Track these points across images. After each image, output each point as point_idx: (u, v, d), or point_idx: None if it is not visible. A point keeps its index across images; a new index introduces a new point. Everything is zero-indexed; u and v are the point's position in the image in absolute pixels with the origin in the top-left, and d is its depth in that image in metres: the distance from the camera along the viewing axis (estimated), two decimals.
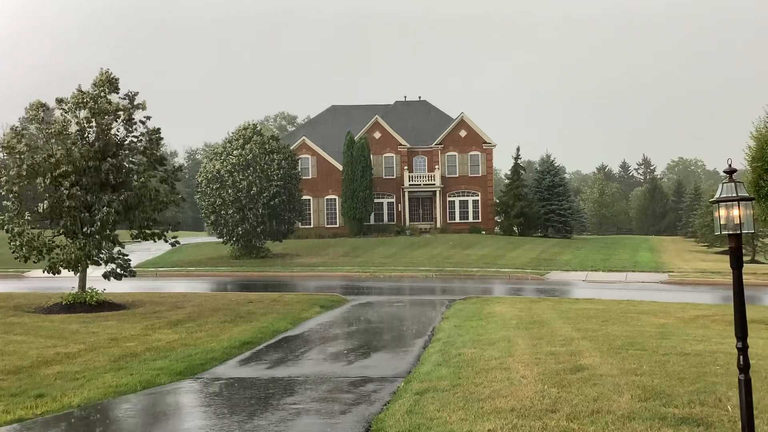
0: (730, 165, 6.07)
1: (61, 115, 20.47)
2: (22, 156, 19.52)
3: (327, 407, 9.11)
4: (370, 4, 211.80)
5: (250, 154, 44.46)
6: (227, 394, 10.12)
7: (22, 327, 15.98)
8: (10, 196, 20.09)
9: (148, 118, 21.27)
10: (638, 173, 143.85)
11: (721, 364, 10.23)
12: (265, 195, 43.73)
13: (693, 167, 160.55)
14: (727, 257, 41.04)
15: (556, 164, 65.34)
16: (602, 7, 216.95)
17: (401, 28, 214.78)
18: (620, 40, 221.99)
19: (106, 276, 20.95)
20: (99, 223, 19.61)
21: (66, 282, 23.04)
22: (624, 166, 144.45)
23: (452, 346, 12.86)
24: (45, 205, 19.54)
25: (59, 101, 20.69)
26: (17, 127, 20.35)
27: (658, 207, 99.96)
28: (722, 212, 6.07)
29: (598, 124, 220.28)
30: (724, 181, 6.10)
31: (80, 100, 20.32)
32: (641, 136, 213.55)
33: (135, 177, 20.73)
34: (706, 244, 55.98)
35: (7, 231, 20.05)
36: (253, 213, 43.61)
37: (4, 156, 20.70)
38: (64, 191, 19.16)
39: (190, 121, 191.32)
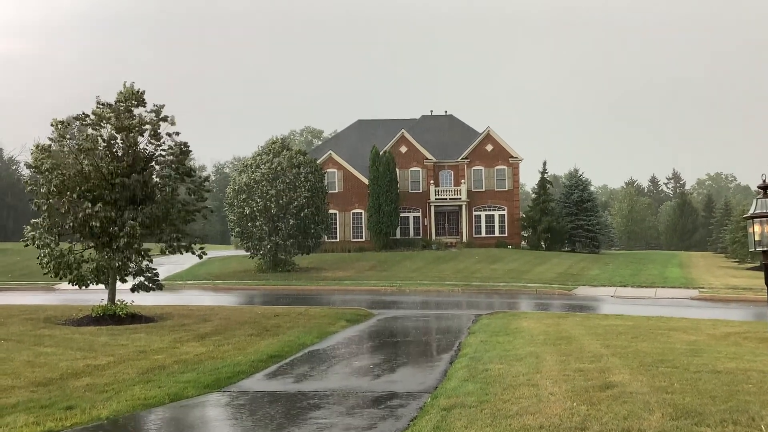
0: (764, 180, 6.00)
1: (91, 129, 20.69)
2: (50, 175, 19.73)
3: (353, 422, 9.09)
4: (395, 19, 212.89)
5: (279, 167, 44.74)
6: (254, 407, 10.14)
7: (53, 339, 16.17)
8: (42, 212, 20.30)
9: (177, 133, 21.34)
10: (668, 188, 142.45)
11: (754, 383, 10.04)
12: (294, 205, 43.95)
13: (724, 182, 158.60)
14: (758, 273, 40.36)
15: (583, 179, 64.92)
16: (630, 16, 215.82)
17: (427, 41, 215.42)
18: (650, 51, 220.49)
19: (133, 289, 21.12)
20: (126, 238, 19.77)
21: (95, 294, 23.30)
22: (653, 181, 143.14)
23: (479, 362, 12.77)
24: (71, 222, 19.74)
25: (79, 118, 20.81)
26: (44, 144, 20.46)
27: (688, 222, 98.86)
28: (756, 228, 5.99)
29: (627, 138, 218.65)
30: (758, 196, 6.03)
31: (103, 116, 20.48)
32: (671, 150, 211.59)
33: (159, 191, 20.84)
34: (736, 259, 55.17)
35: (37, 247, 20.26)
36: (284, 224, 43.81)
37: (32, 173, 20.96)
38: (87, 210, 19.33)
39: (217, 136, 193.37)
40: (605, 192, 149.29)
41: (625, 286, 36.30)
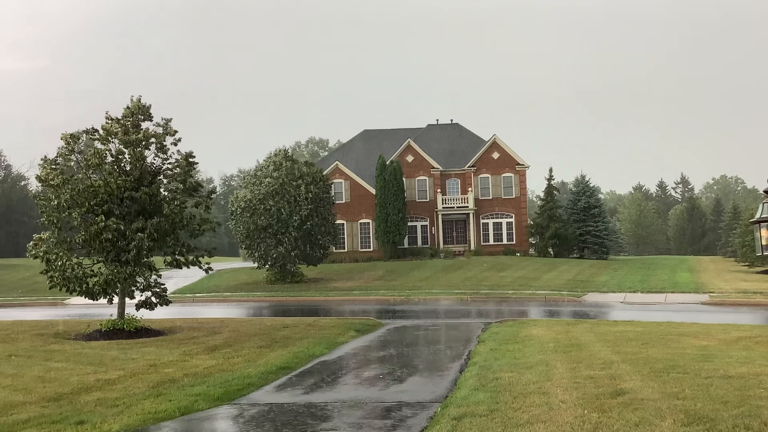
0: None
1: (100, 144, 20.80)
2: (59, 190, 19.83)
3: None
4: (400, 28, 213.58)
5: (279, 180, 44.75)
6: (264, 419, 10.14)
7: (63, 354, 16.22)
8: (52, 226, 20.36)
9: (179, 140, 21.44)
10: (676, 192, 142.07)
11: (766, 387, 9.99)
12: (295, 219, 43.98)
13: (733, 185, 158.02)
14: None
15: (590, 185, 64.78)
16: (634, 19, 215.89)
17: (432, 50, 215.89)
18: (655, 54, 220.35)
19: (138, 307, 21.07)
20: (135, 251, 19.82)
21: (105, 309, 23.36)
22: (661, 185, 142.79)
23: (489, 370, 12.74)
24: (82, 236, 19.82)
25: (88, 132, 20.92)
26: (53, 159, 20.54)
27: (696, 226, 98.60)
28: (763, 233, 5.98)
29: (634, 144, 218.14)
30: (764, 201, 6.02)
31: (111, 131, 20.59)
32: (678, 154, 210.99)
33: (166, 204, 20.92)
34: (746, 263, 54.85)
35: (47, 261, 20.29)
36: (287, 237, 43.89)
37: (41, 188, 21.07)
38: (101, 223, 19.43)
39: (224, 149, 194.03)
40: (613, 198, 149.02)
41: (634, 291, 36.15)
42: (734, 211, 79.39)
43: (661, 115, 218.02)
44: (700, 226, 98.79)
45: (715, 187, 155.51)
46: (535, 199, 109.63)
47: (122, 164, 20.65)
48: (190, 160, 21.52)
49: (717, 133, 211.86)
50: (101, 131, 20.71)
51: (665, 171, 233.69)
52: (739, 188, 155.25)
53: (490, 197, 60.69)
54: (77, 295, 20.60)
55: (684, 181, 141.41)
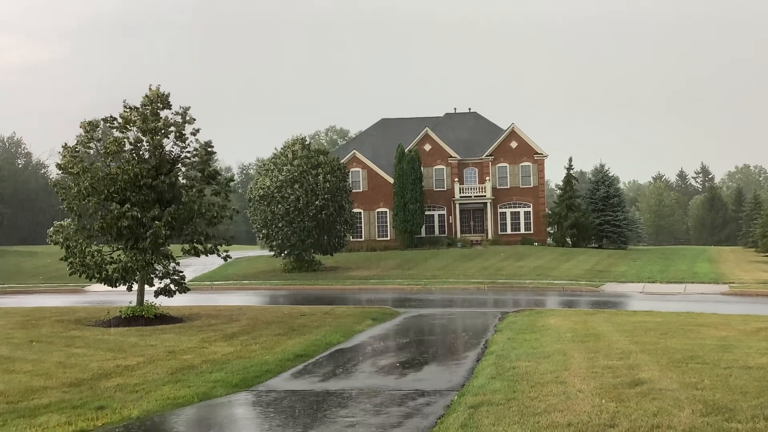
0: None
1: (118, 132, 20.90)
2: (79, 178, 19.97)
3: (380, 420, 9.11)
4: (418, 17, 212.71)
5: (298, 170, 44.79)
6: (282, 406, 10.21)
7: (83, 340, 16.40)
8: (72, 213, 20.55)
9: (198, 130, 21.49)
10: (696, 182, 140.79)
11: None
12: (311, 208, 44.01)
13: (755, 175, 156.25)
14: None
15: (610, 174, 64.30)
16: (652, 8, 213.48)
17: (452, 39, 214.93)
18: (674, 43, 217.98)
19: (157, 294, 21.22)
20: (150, 239, 19.91)
21: (124, 296, 23.54)
22: (681, 175, 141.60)
23: (506, 359, 12.73)
24: (99, 223, 19.95)
25: (107, 120, 21.05)
26: (72, 146, 20.66)
27: (717, 216, 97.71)
28: None
29: (655, 133, 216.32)
30: None
31: (129, 119, 20.70)
32: (699, 144, 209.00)
33: (184, 192, 20.99)
34: (767, 254, 54.33)
35: (67, 248, 20.50)
36: (304, 226, 43.98)
37: (61, 175, 21.22)
38: (116, 210, 19.54)
39: (242, 138, 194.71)
40: (633, 187, 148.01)
41: (653, 282, 35.91)
42: (756, 201, 78.62)
43: (681, 105, 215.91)
44: (720, 216, 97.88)
45: (737, 176, 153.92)
46: (554, 188, 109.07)
47: (141, 152, 20.75)
48: (209, 149, 21.60)
49: (738, 123, 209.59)
50: (119, 119, 20.81)
51: (685, 161, 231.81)
52: (761, 178, 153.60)
53: (508, 186, 60.43)
54: (96, 281, 20.80)
55: (704, 171, 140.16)
